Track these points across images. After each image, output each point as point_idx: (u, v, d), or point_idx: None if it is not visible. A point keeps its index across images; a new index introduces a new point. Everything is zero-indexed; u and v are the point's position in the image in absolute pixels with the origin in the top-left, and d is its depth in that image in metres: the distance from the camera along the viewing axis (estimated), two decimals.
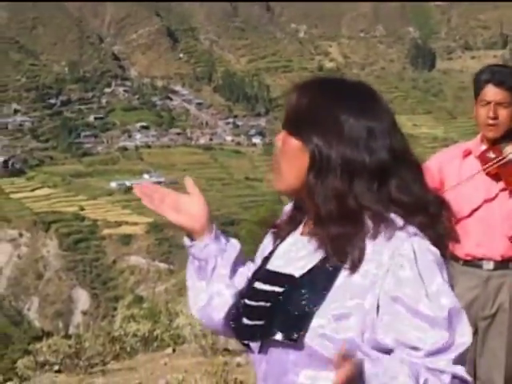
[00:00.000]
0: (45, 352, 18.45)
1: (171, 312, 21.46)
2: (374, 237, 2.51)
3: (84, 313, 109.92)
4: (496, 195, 5.47)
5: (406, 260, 2.46)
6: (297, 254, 2.66)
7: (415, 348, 2.44)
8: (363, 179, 2.53)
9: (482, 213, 5.45)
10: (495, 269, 5.47)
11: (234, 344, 17.05)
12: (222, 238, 2.81)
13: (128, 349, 19.23)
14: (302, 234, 2.68)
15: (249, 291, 2.72)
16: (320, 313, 2.51)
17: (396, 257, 2.47)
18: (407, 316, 2.45)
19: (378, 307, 2.49)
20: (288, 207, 2.80)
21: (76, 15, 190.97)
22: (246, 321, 2.68)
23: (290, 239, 2.72)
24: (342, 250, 2.52)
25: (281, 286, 2.62)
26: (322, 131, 2.56)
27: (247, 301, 2.69)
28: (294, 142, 2.60)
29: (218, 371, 8.71)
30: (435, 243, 2.54)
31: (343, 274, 2.53)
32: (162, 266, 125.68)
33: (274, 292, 2.63)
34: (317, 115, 2.59)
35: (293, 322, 2.55)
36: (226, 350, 16.54)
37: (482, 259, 5.45)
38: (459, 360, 2.44)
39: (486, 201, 5.45)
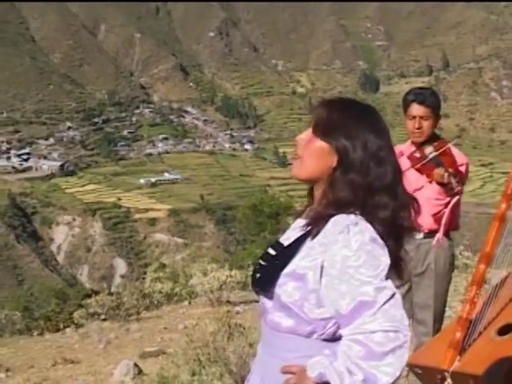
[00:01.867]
0: (94, 306, 18.68)
1: (187, 274, 22.03)
2: (335, 217, 2.75)
3: (122, 276, 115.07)
4: (422, 185, 5.81)
5: (345, 239, 2.66)
6: (294, 231, 2.87)
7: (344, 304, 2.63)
8: (372, 180, 2.75)
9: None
10: (424, 238, 5.81)
11: (233, 297, 17.35)
12: None
13: (155, 302, 19.60)
14: (301, 217, 2.92)
15: (263, 254, 2.95)
16: (283, 273, 2.73)
17: (339, 235, 2.67)
18: (338, 277, 2.64)
19: (321, 272, 2.69)
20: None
21: (112, 56, 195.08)
22: (256, 275, 2.88)
23: (298, 220, 2.93)
24: (321, 221, 2.75)
25: (275, 251, 2.85)
26: (351, 139, 2.76)
27: (260, 261, 2.89)
28: (322, 144, 2.79)
29: (223, 317, 8.74)
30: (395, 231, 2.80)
31: (306, 245, 2.74)
32: (179, 240, 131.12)
33: (270, 254, 2.86)
34: (347, 127, 2.78)
35: (270, 279, 2.77)
36: (228, 302, 16.85)
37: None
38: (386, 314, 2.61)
39: (416, 189, 5.66)
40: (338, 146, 2.76)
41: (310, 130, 2.85)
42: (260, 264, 2.88)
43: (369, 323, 2.60)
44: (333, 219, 2.73)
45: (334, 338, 2.77)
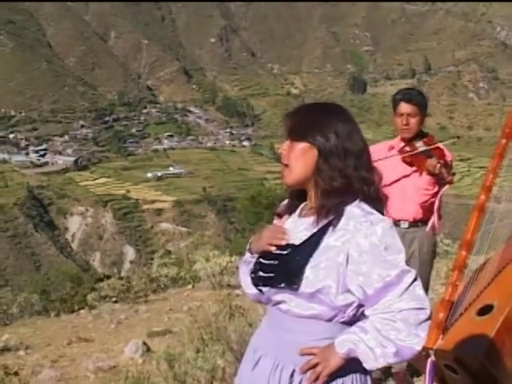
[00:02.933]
0: (105, 289, 18.69)
1: (190, 260, 22.07)
2: (346, 210, 2.82)
3: (131, 262, 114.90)
4: (410, 176, 5.83)
5: (365, 229, 2.74)
6: (297, 230, 2.92)
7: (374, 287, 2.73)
8: (353, 161, 2.83)
9: (400, 189, 5.74)
10: (409, 227, 5.84)
11: (233, 281, 17.33)
12: None
13: (162, 286, 19.56)
14: (299, 216, 2.98)
15: (263, 253, 2.96)
16: (308, 266, 2.77)
17: (360, 225, 2.74)
18: (367, 262, 2.72)
19: (347, 261, 2.74)
20: (284, 203, 3.12)
21: (122, 60, 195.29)
22: (261, 273, 2.92)
23: (290, 220, 3.01)
24: (333, 212, 2.81)
25: (285, 251, 2.86)
26: (323, 132, 2.85)
27: (262, 260, 2.94)
28: (301, 144, 2.87)
29: (224, 299, 8.74)
30: (382, 211, 2.89)
31: (325, 239, 2.80)
32: (183, 229, 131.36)
33: (281, 254, 2.87)
34: (318, 123, 2.87)
35: (292, 274, 2.79)
36: (229, 285, 16.85)
37: (400, 220, 5.75)
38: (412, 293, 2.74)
39: (404, 181, 5.77)
40: (314, 140, 2.85)
41: (286, 142, 2.94)
42: (267, 264, 2.92)
43: (398, 302, 2.71)
44: (346, 211, 2.81)
45: (352, 321, 2.83)
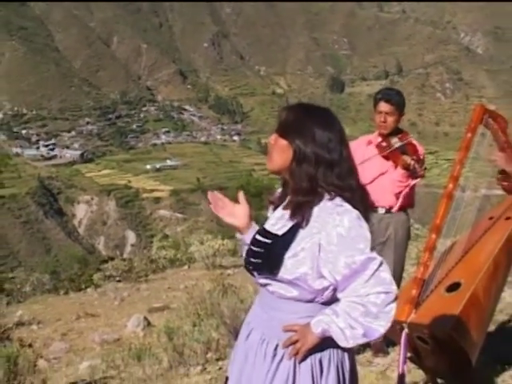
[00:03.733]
0: (109, 269, 18.65)
1: (186, 243, 22.00)
2: (319, 204, 2.81)
3: (132, 245, 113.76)
4: (387, 169, 5.83)
5: (332, 220, 2.74)
6: (281, 220, 2.92)
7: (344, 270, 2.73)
8: (323, 168, 2.81)
9: (378, 180, 5.76)
10: (385, 213, 5.84)
11: (225, 262, 17.37)
12: (254, 226, 3.05)
13: (160, 266, 19.57)
14: (284, 207, 2.96)
15: (253, 240, 2.96)
16: (286, 256, 2.80)
17: (328, 217, 2.75)
18: (335, 251, 2.73)
19: (319, 250, 2.76)
20: (278, 190, 3.09)
21: (123, 62, 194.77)
22: (252, 259, 2.93)
23: (279, 210, 2.99)
24: (303, 211, 2.82)
25: (270, 239, 2.88)
26: (301, 136, 2.83)
27: (251, 247, 2.94)
28: (283, 142, 2.88)
29: (217, 278, 8.77)
30: (360, 208, 2.82)
31: (300, 232, 2.81)
32: (179, 215, 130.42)
33: (265, 243, 2.89)
34: (298, 126, 2.86)
35: (273, 262, 2.82)
36: (221, 265, 16.89)
37: (377, 207, 5.77)
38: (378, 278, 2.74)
39: (381, 173, 5.80)
40: (292, 143, 2.85)
41: (274, 133, 2.94)
42: (255, 250, 2.92)
43: (365, 287, 2.71)
44: (317, 206, 2.81)
45: (331, 301, 2.85)
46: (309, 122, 2.85)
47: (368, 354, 6.04)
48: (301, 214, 2.80)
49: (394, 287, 2.74)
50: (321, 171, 2.80)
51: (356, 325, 2.70)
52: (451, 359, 4.40)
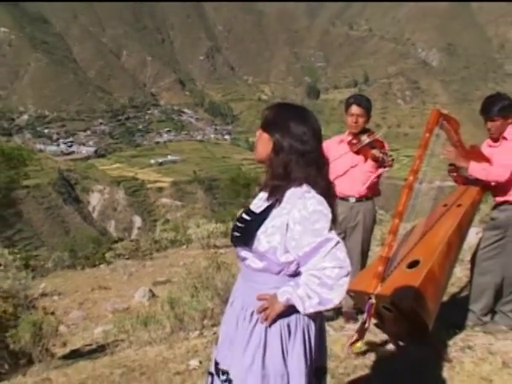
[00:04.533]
0: (119, 249, 18.58)
1: (185, 227, 21.89)
2: (290, 189, 2.83)
3: (139, 228, 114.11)
4: (357, 163, 5.78)
5: (299, 204, 2.77)
6: (260, 200, 2.97)
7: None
8: (296, 157, 2.83)
9: (350, 172, 5.75)
10: (356, 202, 5.79)
11: (218, 243, 17.33)
12: None
13: (163, 246, 19.49)
14: (264, 191, 2.98)
15: (238, 217, 3.00)
16: (259, 231, 2.82)
17: (297, 201, 2.78)
18: (299, 230, 2.76)
19: (287, 228, 2.78)
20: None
21: (131, 72, 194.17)
22: (234, 233, 2.96)
23: (261, 192, 3.01)
24: (277, 193, 2.85)
25: (250, 217, 2.93)
26: (279, 130, 2.86)
27: (237, 223, 2.97)
28: (265, 136, 2.91)
29: (212, 256, 8.72)
30: (326, 195, 2.83)
31: (273, 211, 2.84)
32: (179, 203, 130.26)
33: (246, 220, 2.93)
34: (276, 122, 2.89)
35: (248, 236, 2.85)
36: (215, 245, 16.84)
37: (348, 196, 5.74)
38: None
39: (352, 166, 5.75)
40: (272, 136, 2.88)
41: (260, 129, 2.96)
42: (238, 225, 2.95)
43: (322, 262, 2.74)
44: (290, 190, 2.83)
45: (295, 274, 2.86)
46: (285, 117, 2.87)
47: (340, 320, 6.04)
48: (275, 195, 2.83)
49: (348, 264, 2.76)
50: (294, 160, 2.82)
51: (313, 294, 2.74)
52: (411, 325, 4.42)
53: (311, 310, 2.78)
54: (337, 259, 2.73)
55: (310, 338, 2.88)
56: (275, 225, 2.79)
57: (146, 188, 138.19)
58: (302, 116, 2.90)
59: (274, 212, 2.82)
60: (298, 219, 2.75)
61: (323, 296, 2.74)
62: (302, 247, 2.73)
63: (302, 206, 2.75)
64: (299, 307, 2.77)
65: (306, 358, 2.85)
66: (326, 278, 2.72)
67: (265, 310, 2.82)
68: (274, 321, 2.82)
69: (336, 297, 2.75)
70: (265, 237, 2.79)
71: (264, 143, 2.90)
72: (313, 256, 2.73)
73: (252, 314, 2.88)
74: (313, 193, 2.79)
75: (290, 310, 2.81)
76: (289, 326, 2.84)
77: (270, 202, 2.86)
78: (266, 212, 2.85)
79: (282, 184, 2.82)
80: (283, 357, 2.82)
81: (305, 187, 2.81)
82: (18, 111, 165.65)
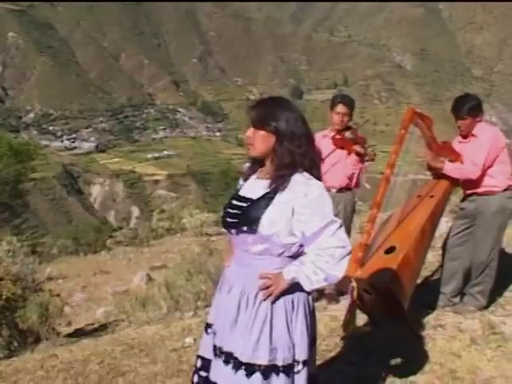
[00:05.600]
0: (119, 236, 18.58)
1: (179, 216, 21.79)
2: (293, 176, 2.83)
3: (136, 218, 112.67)
4: (341, 157, 5.82)
5: (305, 190, 2.78)
6: (255, 188, 2.92)
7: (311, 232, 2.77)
8: (297, 142, 2.83)
9: (332, 165, 5.75)
10: (337, 192, 5.82)
11: (210, 231, 17.31)
12: None
13: (159, 234, 19.45)
14: (257, 178, 2.97)
15: (229, 204, 2.97)
16: (264, 216, 2.79)
17: (302, 187, 2.78)
18: (306, 214, 2.77)
19: (292, 213, 2.78)
20: (247, 165, 3.07)
21: (129, 74, 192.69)
22: (229, 220, 2.92)
23: (251, 180, 3.00)
24: (283, 180, 2.82)
25: (246, 203, 2.87)
26: (277, 121, 2.83)
27: (229, 209, 2.94)
28: (261, 132, 2.86)
29: (204, 243, 8.76)
30: (319, 179, 2.86)
31: (277, 197, 2.81)
32: (173, 194, 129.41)
33: (242, 206, 2.89)
34: (271, 114, 2.85)
35: (252, 221, 2.81)
36: (207, 233, 16.84)
37: (331, 187, 5.74)
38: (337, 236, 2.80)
39: (336, 161, 5.79)
40: (271, 128, 2.84)
41: (251, 128, 2.90)
42: (236, 212, 2.90)
43: (327, 242, 2.77)
44: (293, 177, 2.82)
45: (296, 255, 2.87)
46: (277, 109, 2.86)
47: (323, 302, 6.06)
48: (282, 183, 2.81)
49: (349, 244, 2.81)
50: (295, 144, 2.82)
51: (319, 271, 2.77)
52: (388, 306, 4.43)
53: (316, 286, 2.82)
54: (341, 240, 2.78)
55: (309, 313, 2.91)
56: (280, 210, 2.79)
57: (144, 181, 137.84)
58: (287, 104, 2.91)
59: (279, 198, 2.81)
60: (305, 203, 2.76)
61: (329, 272, 2.78)
62: (311, 228, 2.76)
63: (307, 191, 2.77)
64: (305, 284, 2.81)
65: (307, 331, 2.88)
66: (331, 257, 2.76)
67: (268, 287, 2.82)
68: (278, 297, 2.83)
69: (340, 272, 2.80)
70: (269, 221, 2.78)
71: (263, 139, 2.86)
72: (319, 236, 2.76)
73: (256, 296, 2.86)
74: (313, 179, 2.82)
75: (294, 287, 2.82)
76: (292, 301, 2.85)
77: (271, 189, 2.84)
78: (268, 198, 2.82)
79: (290, 172, 2.82)
80: (288, 330, 2.83)
81: (305, 174, 2.82)
82: (25, 110, 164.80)
